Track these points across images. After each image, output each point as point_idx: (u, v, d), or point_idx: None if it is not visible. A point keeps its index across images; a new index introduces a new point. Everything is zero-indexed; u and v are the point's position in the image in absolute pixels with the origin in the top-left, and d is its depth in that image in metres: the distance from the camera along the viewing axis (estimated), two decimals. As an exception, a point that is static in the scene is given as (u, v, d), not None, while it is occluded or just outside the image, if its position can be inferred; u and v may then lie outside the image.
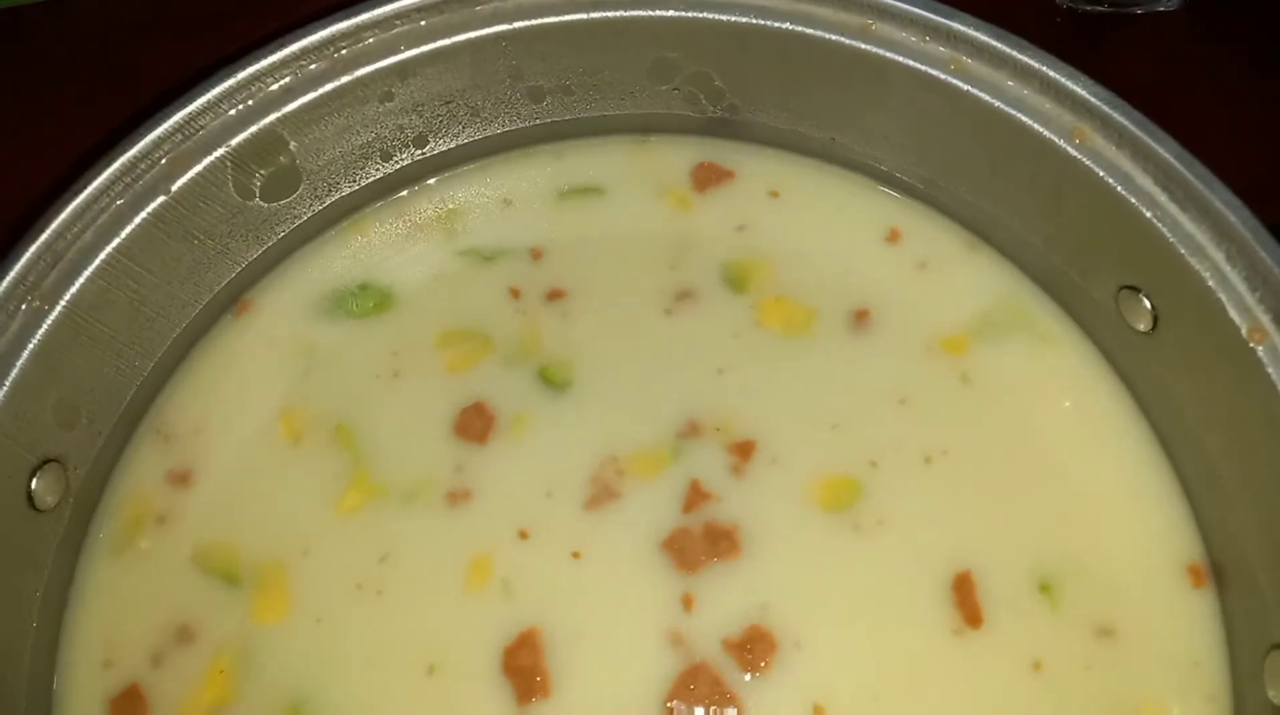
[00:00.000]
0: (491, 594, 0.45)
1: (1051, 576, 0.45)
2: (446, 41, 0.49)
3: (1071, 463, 0.47)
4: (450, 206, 0.54)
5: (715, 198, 0.53)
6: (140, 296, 0.46)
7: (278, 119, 0.47)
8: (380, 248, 0.53)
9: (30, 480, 0.42)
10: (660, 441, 0.48)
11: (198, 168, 0.46)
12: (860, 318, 0.50)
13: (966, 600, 0.44)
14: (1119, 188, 0.43)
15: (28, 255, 0.40)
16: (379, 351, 0.50)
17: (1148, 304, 0.45)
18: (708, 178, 0.54)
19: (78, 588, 0.45)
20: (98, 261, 0.43)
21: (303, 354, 0.50)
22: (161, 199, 0.45)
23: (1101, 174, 0.44)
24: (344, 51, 0.48)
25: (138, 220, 0.44)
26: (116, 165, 0.44)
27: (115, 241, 0.43)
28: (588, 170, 0.54)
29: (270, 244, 0.51)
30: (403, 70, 0.49)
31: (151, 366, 0.48)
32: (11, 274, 0.40)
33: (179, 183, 0.45)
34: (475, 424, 0.48)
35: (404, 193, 0.54)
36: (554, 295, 0.51)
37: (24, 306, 0.40)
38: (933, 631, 0.44)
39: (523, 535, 0.46)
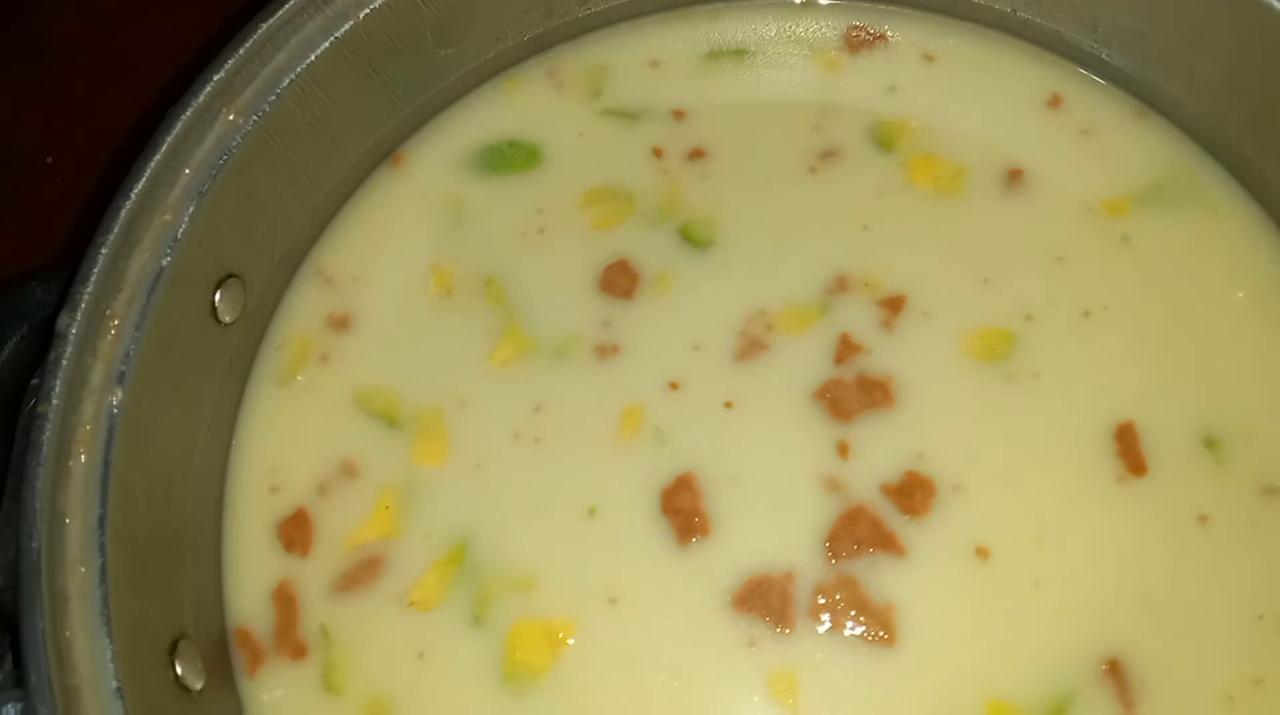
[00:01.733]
0: (645, 442, 0.46)
1: (1217, 434, 0.45)
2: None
3: (1240, 331, 0.47)
4: (598, 65, 0.54)
5: (866, 60, 0.53)
6: (321, 124, 0.47)
7: None
8: (529, 105, 0.53)
9: (215, 292, 0.43)
10: (808, 297, 0.48)
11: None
12: (1014, 177, 0.50)
13: (1129, 450, 0.44)
14: None
15: (226, 67, 0.41)
16: (526, 208, 0.51)
17: None
18: (860, 41, 0.53)
19: (245, 415, 0.47)
20: (287, 81, 0.44)
21: (453, 209, 0.51)
22: (350, 24, 0.45)
23: None
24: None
25: (326, 45, 0.44)
26: None
27: (305, 63, 0.44)
28: (738, 33, 0.54)
29: (430, 94, 0.51)
30: None
31: (316, 205, 0.49)
32: (210, 84, 0.41)
33: (366, 10, 0.45)
34: (620, 281, 0.49)
35: (555, 50, 0.54)
36: (696, 154, 0.51)
37: (220, 118, 0.41)
38: (1095, 478, 0.44)
39: (673, 386, 0.47)
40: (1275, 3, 0.43)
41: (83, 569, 0.35)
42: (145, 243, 0.39)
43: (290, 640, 0.43)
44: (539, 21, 0.52)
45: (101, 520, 0.35)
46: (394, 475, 0.46)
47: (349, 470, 0.46)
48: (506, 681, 0.43)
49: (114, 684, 0.34)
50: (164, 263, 0.39)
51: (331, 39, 0.45)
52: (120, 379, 0.37)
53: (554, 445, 0.46)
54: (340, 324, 0.49)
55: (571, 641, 0.43)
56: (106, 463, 0.36)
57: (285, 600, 0.44)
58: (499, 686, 0.43)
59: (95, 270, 0.38)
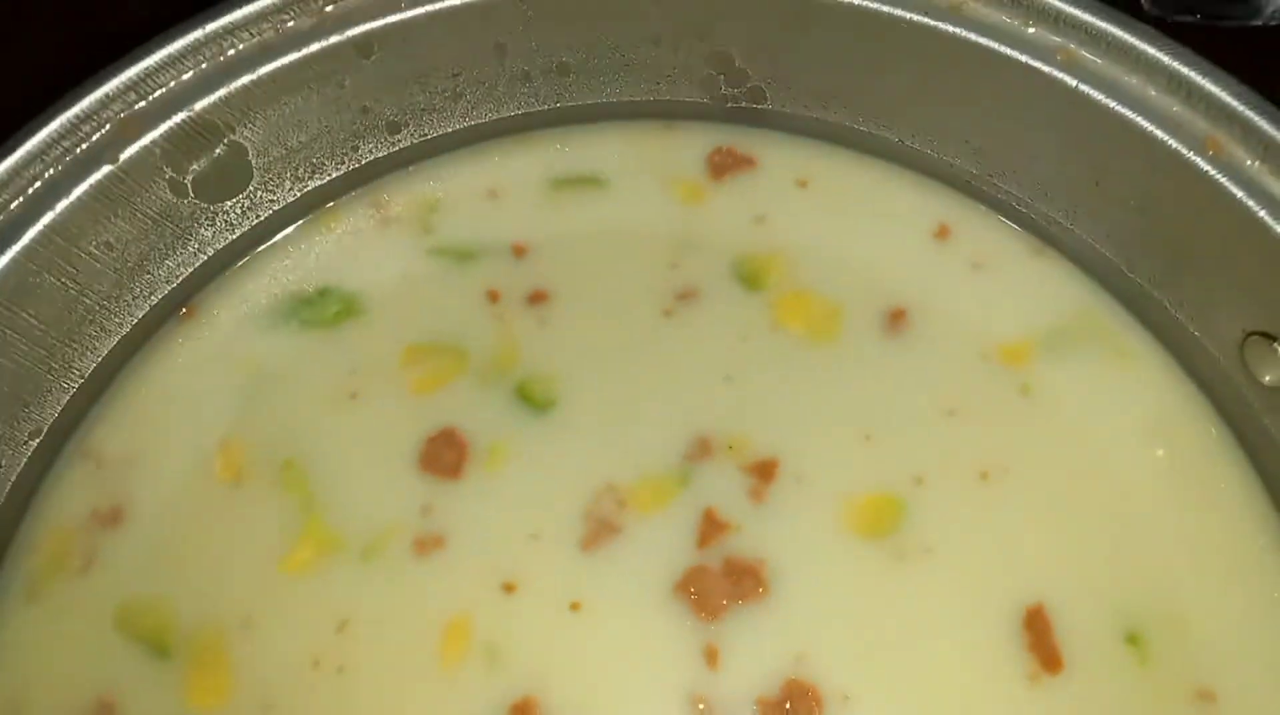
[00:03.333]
0: (475, 663, 0.39)
1: (1140, 622, 0.39)
2: (419, 11, 0.43)
3: (1156, 500, 0.42)
4: (430, 197, 0.48)
5: (732, 187, 0.48)
6: (78, 286, 0.41)
7: (225, 97, 0.42)
8: (348, 244, 0.47)
9: None
10: (665, 466, 0.42)
11: (150, 136, 0.41)
12: (897, 318, 0.45)
13: (1042, 640, 0.39)
14: (1261, 212, 0.38)
15: None
16: (336, 369, 0.44)
17: None
18: (725, 165, 0.48)
19: None
20: (27, 239, 0.38)
21: (250, 372, 0.44)
22: (107, 169, 0.40)
23: (1240, 195, 0.39)
24: (290, 25, 0.42)
25: (77, 193, 0.39)
26: (55, 125, 0.39)
27: (49, 216, 0.39)
28: (587, 158, 0.49)
29: (233, 235, 0.45)
30: (365, 46, 0.43)
31: (88, 374, 0.43)
32: None
33: (127, 152, 0.40)
34: (446, 455, 0.42)
35: (383, 179, 0.48)
36: (536, 298, 0.45)
37: None
38: (1004, 676, 0.38)
39: (508, 588, 0.40)
40: (1183, 149, 0.39)
41: None
42: None
43: None
44: (345, 156, 0.47)
45: None
46: (159, 719, 0.38)
47: (105, 710, 0.38)
48: None
49: None
50: None
51: (82, 187, 0.39)
52: None
53: (362, 675, 0.39)
54: (109, 519, 0.42)
55: None
56: None
57: None
58: None
59: None
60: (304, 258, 0.47)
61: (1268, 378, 0.39)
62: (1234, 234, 0.39)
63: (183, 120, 0.41)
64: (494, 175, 0.49)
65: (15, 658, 0.39)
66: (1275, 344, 0.39)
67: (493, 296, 0.46)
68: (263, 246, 0.47)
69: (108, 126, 0.40)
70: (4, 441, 0.40)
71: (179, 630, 0.39)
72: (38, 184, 0.39)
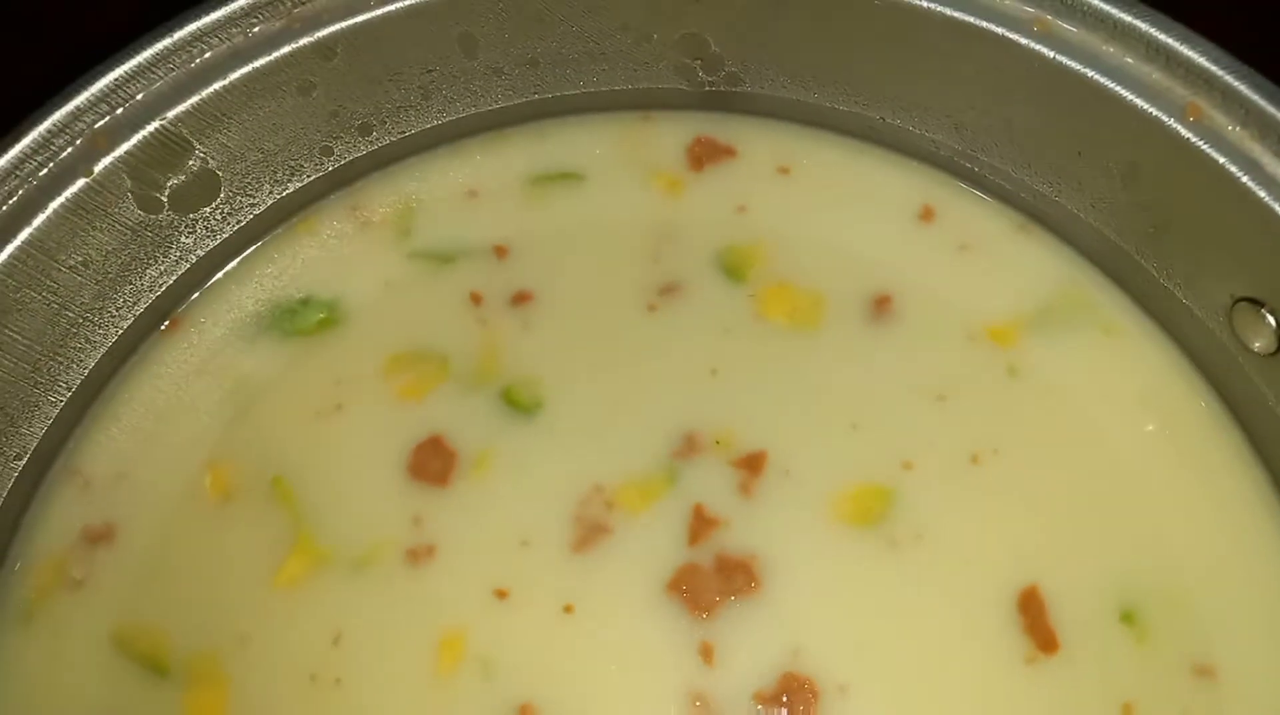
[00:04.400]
0: (470, 672, 0.39)
1: (1136, 600, 0.40)
2: (389, 9, 0.43)
3: (1149, 475, 0.42)
4: (409, 199, 0.48)
5: (712, 178, 0.48)
6: (60, 300, 0.42)
7: (197, 104, 0.42)
8: (328, 252, 0.48)
9: None
10: (652, 464, 0.42)
11: (124, 147, 0.41)
12: (881, 305, 0.45)
13: (1037, 622, 0.39)
14: (1244, 177, 0.38)
15: None
16: (320, 380, 0.44)
17: (1272, 322, 0.39)
18: (704, 155, 0.49)
19: None
20: (5, 255, 0.39)
21: (235, 384, 0.45)
22: (81, 183, 0.40)
23: (1222, 160, 0.39)
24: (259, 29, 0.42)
25: (53, 207, 0.39)
26: (26, 141, 0.40)
27: (26, 232, 0.39)
28: (566, 153, 0.49)
29: (212, 244, 0.46)
30: (333, 47, 0.44)
31: (75, 388, 0.43)
32: None
33: (101, 164, 0.41)
34: (433, 463, 0.43)
35: (360, 183, 0.48)
36: (519, 299, 0.46)
37: None
38: (1001, 659, 0.39)
39: (500, 594, 0.40)
40: (1164, 116, 0.39)
41: None
42: None
43: None
44: (318, 161, 0.47)
45: None
46: (160, 740, 0.38)
47: (106, 734, 0.39)
48: None
49: None
50: None
51: (59, 200, 0.40)
52: None
53: (360, 687, 0.39)
54: (99, 537, 0.42)
55: None
56: None
57: None
58: None
59: None
60: (286, 265, 0.48)
61: (1257, 344, 0.39)
62: (1217, 200, 0.39)
63: (156, 129, 0.42)
64: (473, 174, 0.49)
65: (14, 680, 0.40)
66: (1263, 309, 0.39)
67: (475, 299, 0.46)
68: (243, 254, 0.48)
69: (80, 140, 0.41)
70: None
71: (176, 649, 0.40)
72: (12, 200, 0.40)
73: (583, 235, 0.48)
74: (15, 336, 0.41)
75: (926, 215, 0.47)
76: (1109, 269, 0.45)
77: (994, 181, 0.46)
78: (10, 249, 0.40)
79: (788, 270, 0.46)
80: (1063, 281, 0.45)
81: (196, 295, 0.47)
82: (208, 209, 0.45)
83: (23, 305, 0.41)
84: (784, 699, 0.38)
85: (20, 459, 0.42)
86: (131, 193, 0.42)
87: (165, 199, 0.43)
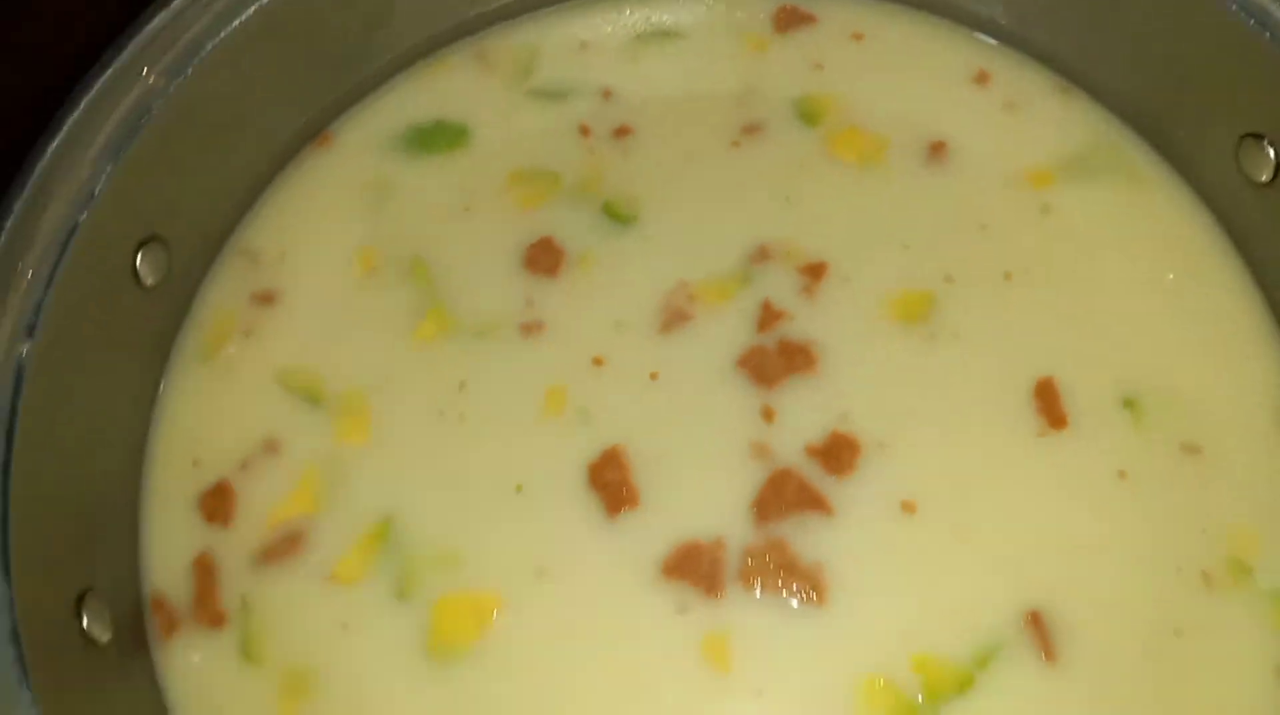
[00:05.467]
0: (570, 418, 0.48)
1: (1137, 393, 0.47)
2: None
3: (1163, 299, 0.49)
4: (528, 47, 0.57)
5: (794, 39, 0.56)
6: (246, 96, 0.48)
7: None
8: (458, 86, 0.56)
9: (136, 253, 0.45)
10: (729, 268, 0.50)
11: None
12: (937, 150, 0.52)
13: (1050, 405, 0.47)
14: (1250, 21, 0.44)
15: (147, 29, 0.43)
16: (451, 189, 0.53)
17: (1271, 153, 0.46)
18: (789, 21, 0.56)
19: (168, 388, 0.49)
20: (210, 46, 0.45)
21: (380, 190, 0.53)
22: None
23: (1234, 7, 0.45)
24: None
25: (249, 12, 0.46)
26: None
27: (229, 29, 0.46)
28: (667, 15, 0.57)
29: (359, 75, 0.54)
30: None
31: (243, 180, 0.52)
32: (131, 45, 0.43)
33: None
34: (544, 259, 0.51)
35: (486, 32, 0.57)
36: (621, 132, 0.54)
37: (140, 80, 0.43)
38: (1016, 433, 0.47)
39: (597, 362, 0.49)
40: None
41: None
42: (60, 199, 0.40)
43: (208, 609, 0.45)
44: (469, 6, 0.55)
45: (5, 465, 0.36)
46: (317, 453, 0.47)
47: (271, 447, 0.48)
48: (431, 654, 0.44)
49: (9, 625, 0.34)
50: (80, 219, 0.41)
51: (255, 7, 0.47)
52: (30, 331, 0.38)
53: (479, 423, 0.48)
54: (265, 301, 0.51)
55: (498, 614, 0.44)
56: (13, 409, 0.37)
57: (204, 570, 0.45)
58: (423, 659, 0.44)
59: (7, 224, 0.39)
60: (422, 95, 0.56)
61: (1264, 176, 0.47)
62: (1228, 47, 0.46)
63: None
64: (587, 29, 0.57)
65: (193, 406, 0.49)
66: (1264, 142, 0.46)
67: (583, 130, 0.54)
68: (387, 82, 0.56)
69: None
70: (187, 219, 0.49)
71: (329, 385, 0.49)
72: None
73: (678, 82, 0.56)
74: (208, 121, 0.47)
75: (981, 79, 0.54)
76: (1138, 126, 0.52)
77: (1039, 50, 0.54)
78: (212, 44, 0.46)
79: (857, 118, 0.54)
80: (1095, 136, 0.52)
81: (343, 117, 0.55)
82: (371, 35, 0.53)
83: (216, 95, 0.47)
84: (832, 451, 0.46)
85: (205, 228, 0.51)
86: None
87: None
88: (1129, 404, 0.47)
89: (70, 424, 0.42)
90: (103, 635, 0.41)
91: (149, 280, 0.46)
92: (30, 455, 0.38)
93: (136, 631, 0.44)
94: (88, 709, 0.38)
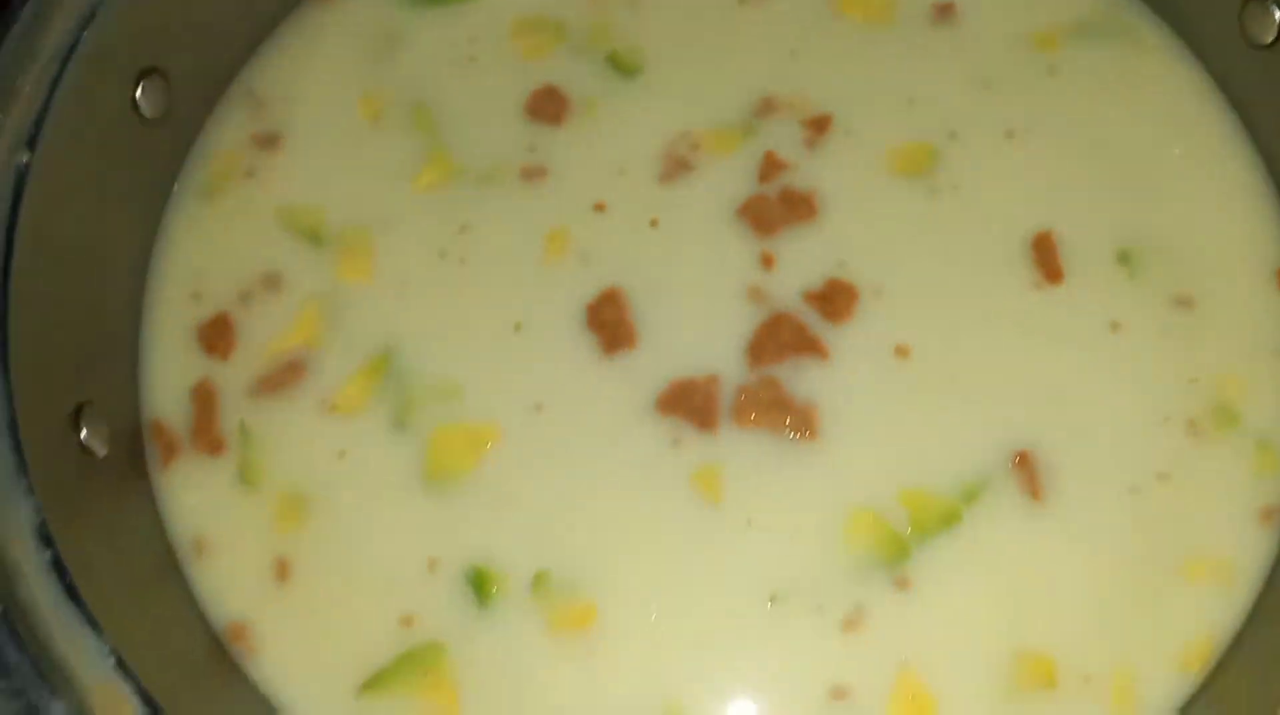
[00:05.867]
0: (570, 261, 0.48)
1: (1131, 249, 0.48)
2: None
3: (1162, 159, 0.49)
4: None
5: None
6: None
7: None
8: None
9: (137, 84, 0.45)
10: (733, 119, 0.50)
11: None
12: (944, 10, 0.52)
13: (1046, 258, 0.47)
14: None
15: None
16: (457, 38, 0.53)
17: (1277, 15, 0.46)
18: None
19: (169, 222, 0.49)
20: None
21: (385, 38, 0.53)
22: None
23: None
24: None
25: None
26: None
27: None
28: None
29: None
30: None
31: (247, 22, 0.52)
32: None
33: None
34: (548, 107, 0.51)
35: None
36: (626, -16, 0.53)
37: None
38: (1012, 285, 0.47)
39: (598, 208, 0.49)
40: None
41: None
42: (59, 20, 0.40)
43: (207, 435, 0.46)
44: None
45: (5, 266, 0.37)
46: (318, 289, 0.48)
47: (272, 282, 0.48)
48: (427, 480, 0.45)
49: (7, 417, 0.35)
50: (79, 38, 0.41)
51: None
52: (30, 143, 0.39)
53: (480, 265, 0.48)
54: (268, 143, 0.51)
55: (494, 445, 0.45)
56: (14, 213, 0.37)
57: (204, 397, 0.46)
58: (420, 485, 0.45)
59: (5, 43, 0.39)
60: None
61: (1268, 38, 0.46)
62: None
63: None
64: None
65: (194, 241, 0.49)
66: (1270, 4, 0.46)
67: (590, -17, 0.54)
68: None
69: None
70: (189, 53, 0.48)
71: (330, 225, 0.49)
72: None
73: (685, -56, 0.55)
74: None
75: (989, -57, 0.54)
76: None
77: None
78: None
79: (866, -23, 0.54)
80: (1103, 3, 0.52)
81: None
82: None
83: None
84: (828, 297, 0.47)
85: (206, 69, 0.51)
86: None
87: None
88: (1124, 258, 0.47)
89: (71, 242, 0.42)
90: (100, 449, 0.41)
91: (150, 113, 0.46)
92: (30, 261, 0.39)
93: (135, 455, 0.45)
94: (85, 516, 0.38)
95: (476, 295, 0.48)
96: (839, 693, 0.41)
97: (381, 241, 0.49)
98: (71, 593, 0.33)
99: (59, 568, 0.33)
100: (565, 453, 0.45)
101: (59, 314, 0.41)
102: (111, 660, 0.32)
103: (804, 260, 0.48)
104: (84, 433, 0.41)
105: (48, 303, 0.40)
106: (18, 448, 0.35)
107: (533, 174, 0.50)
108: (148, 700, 0.32)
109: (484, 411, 0.46)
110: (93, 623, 0.33)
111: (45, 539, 0.33)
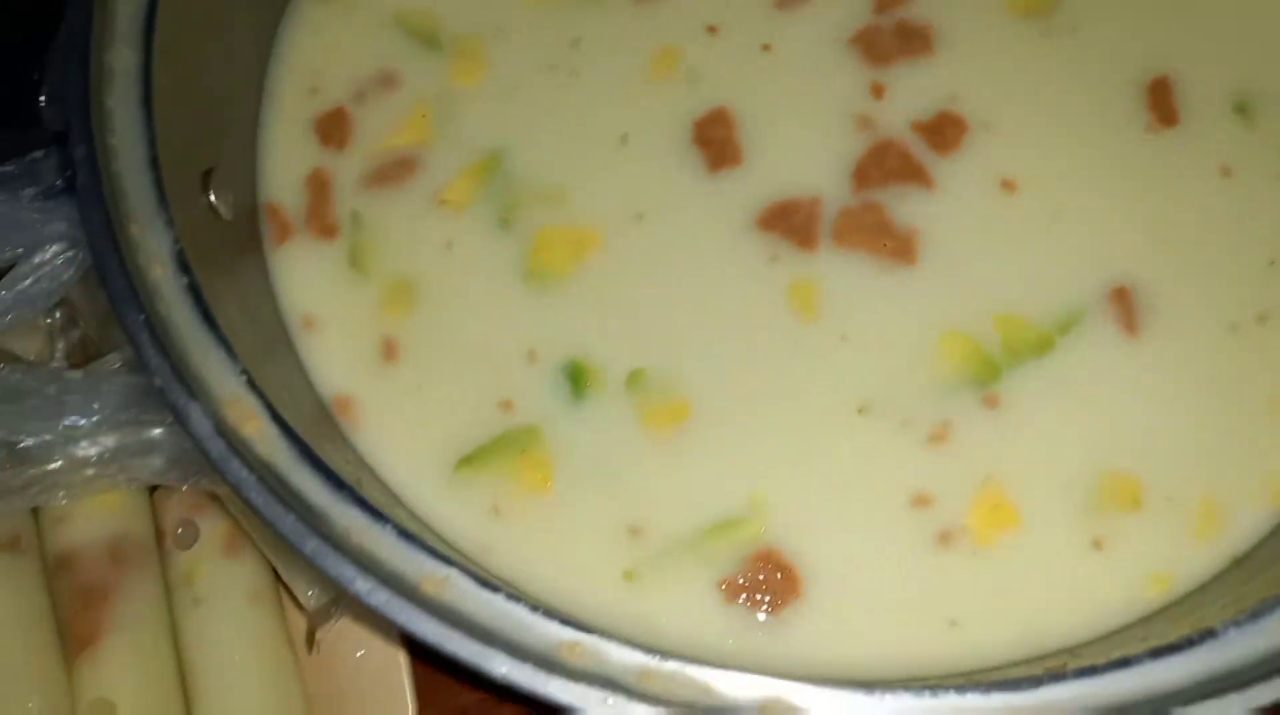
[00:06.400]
0: (680, 79, 0.49)
1: (1251, 98, 0.47)
2: None
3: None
4: None
5: None
6: None
7: None
8: None
9: None
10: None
11: None
12: None
13: (1161, 102, 0.47)
14: None
15: None
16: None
17: None
18: None
19: (288, 22, 0.50)
20: None
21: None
22: None
23: None
24: None
25: None
26: None
27: None
28: None
29: None
30: None
31: None
32: None
33: None
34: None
35: None
36: None
37: None
38: (1124, 125, 0.47)
39: (711, 30, 0.49)
40: None
41: (127, 50, 0.37)
42: None
43: (320, 220, 0.47)
44: None
45: (149, 17, 0.38)
46: (431, 89, 0.49)
47: (387, 81, 0.49)
48: (528, 279, 0.46)
49: (148, 154, 0.36)
50: None
51: None
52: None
53: (590, 77, 0.49)
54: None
55: (596, 250, 0.46)
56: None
57: (318, 185, 0.47)
58: (520, 282, 0.46)
59: None
60: None
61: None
62: None
63: None
64: None
65: (313, 40, 0.50)
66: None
67: None
68: None
69: None
70: None
71: (446, 30, 0.50)
72: None
73: None
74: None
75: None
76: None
77: None
78: None
79: None
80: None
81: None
82: None
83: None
84: (937, 128, 0.47)
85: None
86: None
87: None
88: (1241, 108, 0.46)
89: (203, 20, 0.44)
90: (226, 213, 0.43)
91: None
92: (170, 21, 0.40)
93: (252, 233, 0.47)
94: (212, 267, 0.40)
95: (584, 105, 0.48)
96: (921, 500, 0.42)
97: (495, 49, 0.49)
98: (207, 316, 0.35)
99: (195, 292, 0.35)
100: (664, 261, 0.46)
101: (192, 83, 0.42)
102: (243, 378, 0.34)
103: (915, 92, 0.48)
104: (212, 196, 0.42)
105: (184, 65, 0.41)
106: (159, 183, 0.36)
107: (643, -12, 0.50)
108: (276, 417, 0.34)
109: (587, 217, 0.47)
110: (225, 344, 0.34)
111: (183, 265, 0.35)
